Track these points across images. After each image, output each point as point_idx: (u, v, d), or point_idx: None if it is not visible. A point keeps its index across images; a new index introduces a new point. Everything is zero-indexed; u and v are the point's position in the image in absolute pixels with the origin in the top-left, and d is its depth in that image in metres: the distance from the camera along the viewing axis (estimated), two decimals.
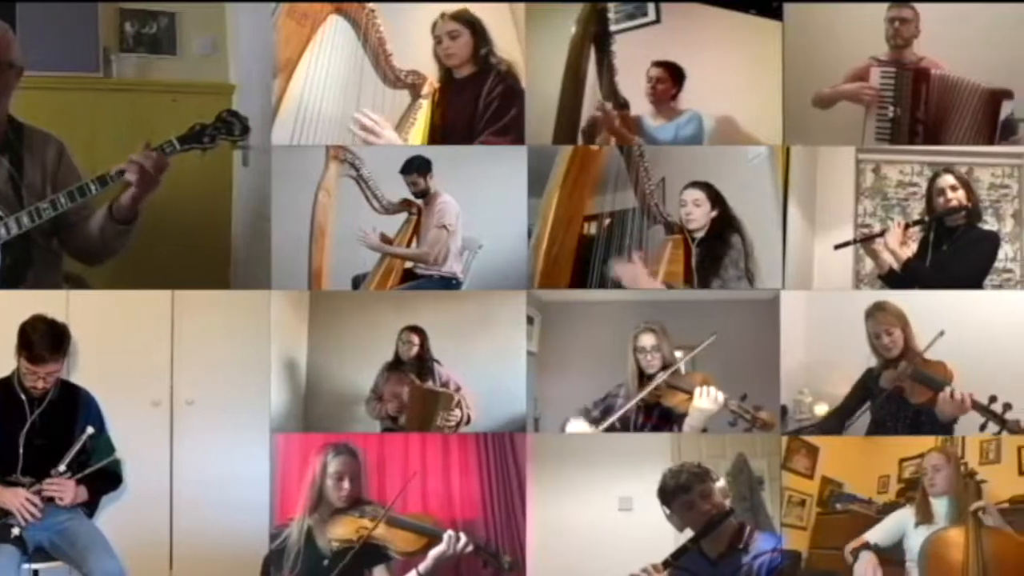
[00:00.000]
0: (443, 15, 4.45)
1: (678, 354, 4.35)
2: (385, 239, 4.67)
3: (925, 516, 4.21)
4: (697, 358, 4.43)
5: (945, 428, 4.25)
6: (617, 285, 4.43)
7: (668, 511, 3.94)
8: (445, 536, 4.11)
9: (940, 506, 4.20)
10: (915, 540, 4.18)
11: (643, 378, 4.33)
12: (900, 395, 4.26)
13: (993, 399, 4.10)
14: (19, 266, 4.08)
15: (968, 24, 4.47)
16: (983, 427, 4.15)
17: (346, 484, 4.17)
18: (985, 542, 4.07)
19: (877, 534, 4.27)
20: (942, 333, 4.21)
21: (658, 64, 4.52)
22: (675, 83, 4.52)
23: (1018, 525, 4.23)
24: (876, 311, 4.34)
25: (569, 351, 4.72)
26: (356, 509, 4.18)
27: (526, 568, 4.33)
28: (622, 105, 4.44)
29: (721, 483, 4.01)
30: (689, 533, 3.89)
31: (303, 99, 4.45)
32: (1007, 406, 4.09)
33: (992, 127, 4.38)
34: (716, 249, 4.40)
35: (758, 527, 4.15)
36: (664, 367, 4.30)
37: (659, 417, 4.31)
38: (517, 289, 4.44)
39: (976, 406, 4.12)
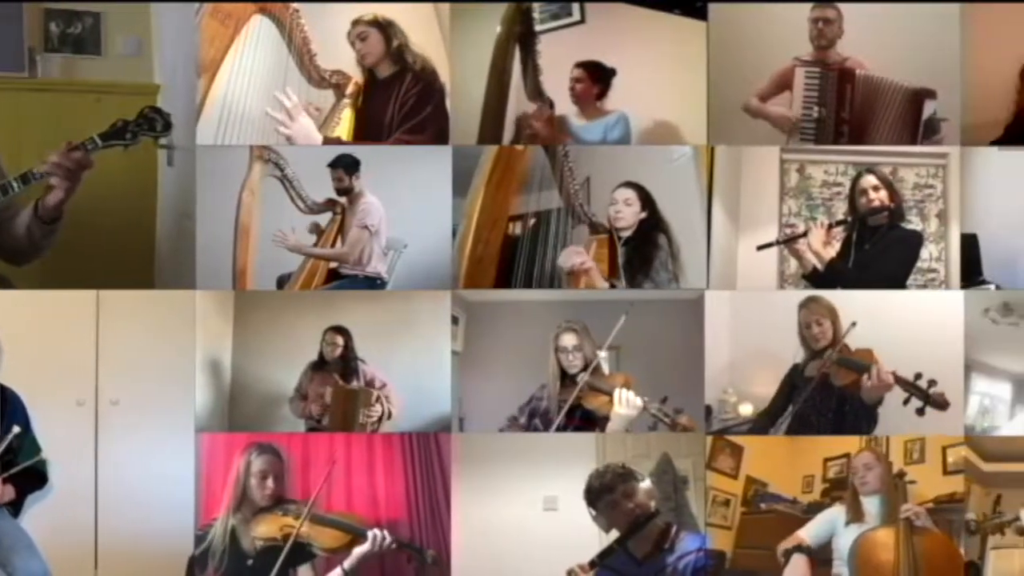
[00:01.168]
0: (353, 22, 4.45)
1: (601, 354, 4.36)
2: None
3: (856, 515, 4.23)
4: (622, 357, 4.47)
5: (870, 413, 4.24)
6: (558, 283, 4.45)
7: (594, 512, 4.00)
8: (370, 535, 4.11)
9: (872, 505, 4.23)
10: (845, 540, 4.20)
11: (565, 378, 4.33)
12: (825, 381, 4.26)
13: (918, 376, 4.11)
14: None
15: (891, 24, 4.46)
16: (907, 401, 4.13)
17: (270, 483, 4.20)
18: (916, 543, 4.10)
19: (809, 533, 4.28)
20: (854, 324, 4.26)
21: (580, 64, 4.50)
22: (598, 83, 4.50)
23: (942, 525, 4.25)
24: (810, 302, 4.37)
25: (494, 351, 4.71)
26: (280, 508, 4.20)
27: (451, 568, 4.33)
28: (547, 106, 4.45)
29: (647, 484, 4.03)
30: (615, 533, 3.94)
31: (227, 99, 4.45)
32: (932, 382, 4.10)
33: (915, 127, 4.37)
34: (644, 250, 4.41)
35: (683, 527, 4.17)
36: (586, 367, 4.30)
37: (581, 418, 4.29)
38: (442, 289, 4.43)
39: (900, 381, 4.14)
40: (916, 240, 4.46)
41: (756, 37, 4.50)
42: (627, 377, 4.26)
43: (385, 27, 4.45)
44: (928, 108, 4.36)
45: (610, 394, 4.19)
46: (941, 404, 4.13)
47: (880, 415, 4.28)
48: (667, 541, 3.91)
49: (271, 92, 4.42)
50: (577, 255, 4.41)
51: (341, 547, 4.15)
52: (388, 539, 4.13)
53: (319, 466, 4.38)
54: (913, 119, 4.37)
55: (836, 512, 4.30)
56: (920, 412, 4.13)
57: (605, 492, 3.95)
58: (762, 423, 4.46)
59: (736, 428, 4.56)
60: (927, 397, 4.12)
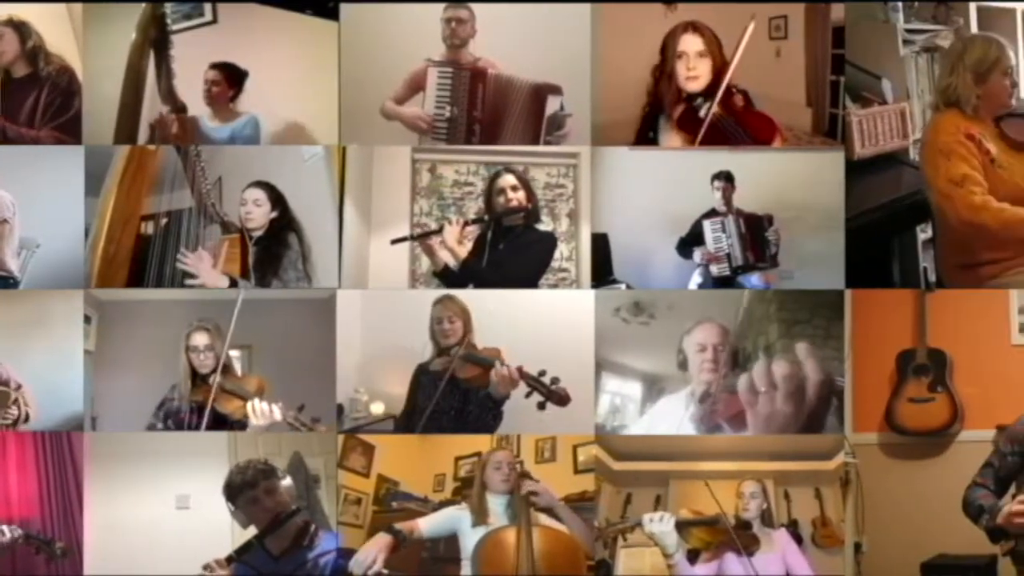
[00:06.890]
0: None
1: (234, 353, 4.36)
2: None
3: (481, 517, 4.16)
4: (254, 356, 4.47)
5: (496, 408, 4.19)
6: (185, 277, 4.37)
7: (233, 507, 3.93)
8: None
9: (498, 505, 4.17)
10: (471, 540, 4.12)
11: (196, 378, 4.30)
12: (451, 377, 4.20)
13: (543, 372, 4.04)
14: None
15: (525, 24, 4.50)
16: (529, 395, 4.04)
17: None
18: (536, 540, 4.06)
19: (428, 524, 4.19)
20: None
21: (214, 66, 4.51)
22: (231, 84, 4.52)
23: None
24: (445, 299, 4.33)
25: (127, 350, 4.73)
26: None
27: (84, 565, 4.34)
28: (180, 108, 4.43)
29: (287, 482, 4.03)
30: (252, 530, 3.94)
31: None
32: (555, 379, 4.02)
33: (539, 123, 4.35)
34: (274, 249, 4.37)
35: (317, 526, 4.18)
36: (217, 366, 4.27)
37: (214, 421, 4.23)
38: (74, 288, 4.42)
39: (524, 376, 4.06)
40: (551, 242, 4.44)
41: (389, 37, 4.53)
42: (261, 381, 4.23)
43: (19, 27, 4.45)
44: (552, 104, 4.34)
45: (244, 398, 4.15)
46: (562, 399, 4.03)
47: (505, 412, 4.24)
48: (306, 538, 3.90)
49: None
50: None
51: None
52: (13, 533, 4.10)
53: None
54: (537, 115, 4.35)
55: (460, 512, 4.21)
56: (541, 406, 4.03)
57: (247, 488, 3.88)
58: (403, 423, 4.40)
59: (375, 428, 4.57)
60: (549, 392, 4.04)
